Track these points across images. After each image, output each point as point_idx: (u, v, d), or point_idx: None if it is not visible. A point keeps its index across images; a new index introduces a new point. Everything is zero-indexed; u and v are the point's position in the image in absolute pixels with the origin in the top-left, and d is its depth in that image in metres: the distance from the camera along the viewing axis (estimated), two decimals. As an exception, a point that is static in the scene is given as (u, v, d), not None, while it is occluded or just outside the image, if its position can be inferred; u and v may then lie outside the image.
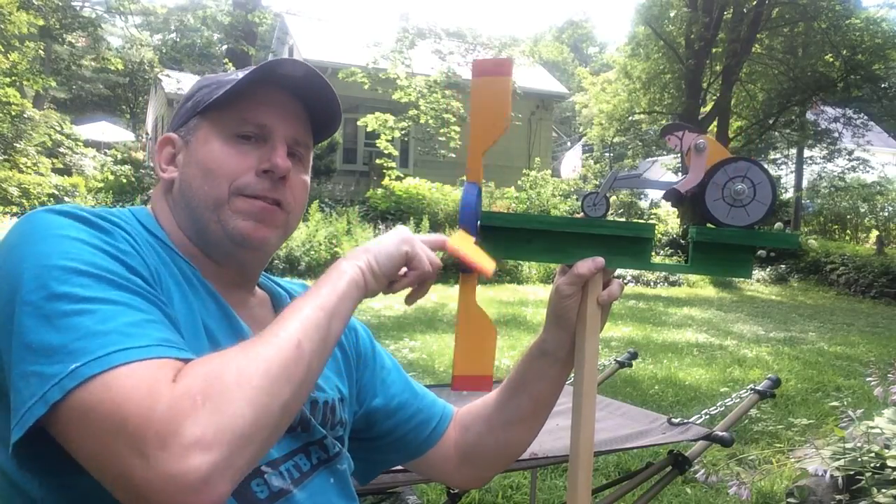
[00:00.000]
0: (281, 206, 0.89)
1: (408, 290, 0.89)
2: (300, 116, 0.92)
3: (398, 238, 0.85)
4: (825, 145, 17.87)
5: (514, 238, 0.94)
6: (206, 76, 0.96)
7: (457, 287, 0.91)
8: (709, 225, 0.96)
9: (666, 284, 12.17)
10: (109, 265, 0.72)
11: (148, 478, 0.60)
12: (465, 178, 0.92)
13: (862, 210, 17.81)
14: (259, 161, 0.87)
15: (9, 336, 0.68)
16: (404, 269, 0.85)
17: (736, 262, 0.95)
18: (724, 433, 1.95)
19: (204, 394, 0.62)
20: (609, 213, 0.97)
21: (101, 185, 12.40)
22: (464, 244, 0.88)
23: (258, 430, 0.64)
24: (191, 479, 0.60)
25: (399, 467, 1.22)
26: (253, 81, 0.87)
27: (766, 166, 0.95)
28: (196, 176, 0.88)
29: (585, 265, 0.92)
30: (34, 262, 0.70)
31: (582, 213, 0.95)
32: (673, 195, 0.95)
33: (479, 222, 0.92)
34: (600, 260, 0.93)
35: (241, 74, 0.89)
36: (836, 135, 17.75)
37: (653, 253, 0.99)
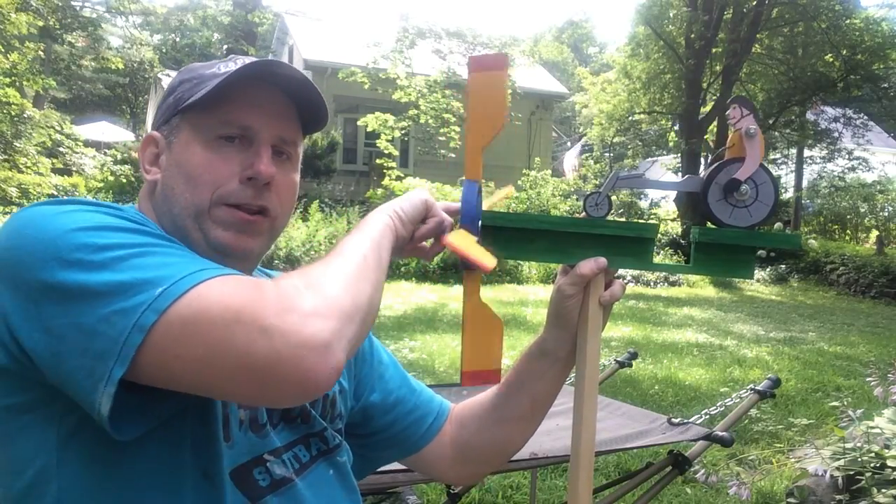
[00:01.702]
0: (265, 213, 0.86)
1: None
2: (285, 113, 0.88)
3: (418, 191, 0.92)
4: (825, 145, 17.87)
5: (516, 238, 0.94)
6: (187, 67, 0.92)
7: (457, 287, 0.92)
8: (710, 225, 0.96)
9: (666, 284, 12.17)
10: (135, 225, 0.73)
11: (275, 351, 0.62)
12: (464, 177, 0.92)
13: (862, 210, 17.81)
14: (242, 167, 0.84)
15: (54, 303, 0.66)
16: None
17: (737, 263, 0.95)
18: (724, 433, 1.95)
19: (304, 284, 0.68)
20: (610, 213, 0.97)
21: (101, 185, 12.41)
22: (463, 241, 0.88)
23: (356, 311, 0.69)
24: (316, 341, 0.63)
25: (399, 467, 1.22)
26: (233, 82, 0.83)
27: (768, 167, 0.94)
28: (178, 181, 0.84)
29: (587, 265, 0.92)
30: (61, 230, 0.68)
31: (584, 213, 0.95)
32: (731, 185, 0.92)
33: (479, 221, 0.92)
34: (602, 260, 0.92)
35: (222, 68, 0.86)
36: (836, 135, 17.75)
37: (654, 253, 0.99)
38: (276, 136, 0.87)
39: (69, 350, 0.65)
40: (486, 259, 0.87)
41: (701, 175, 0.96)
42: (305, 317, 0.64)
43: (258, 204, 0.85)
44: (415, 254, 0.95)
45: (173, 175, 0.85)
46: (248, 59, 0.88)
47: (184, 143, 0.85)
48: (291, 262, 9.67)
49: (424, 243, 0.93)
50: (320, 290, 0.67)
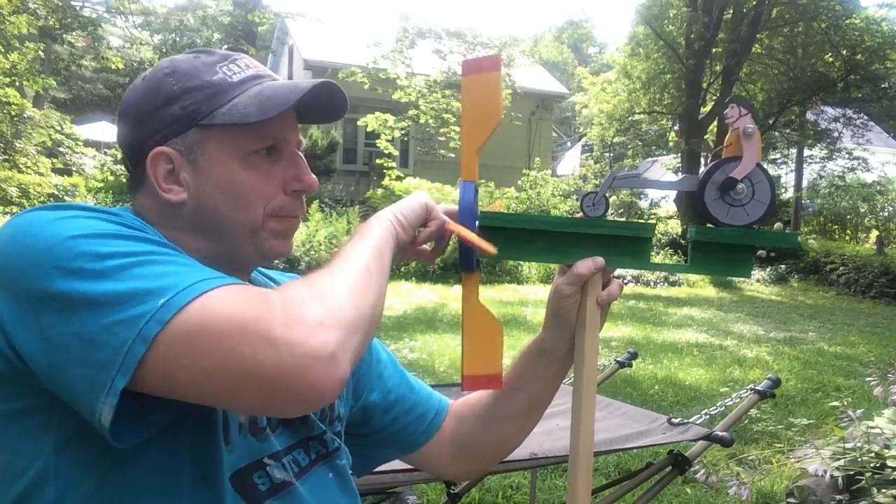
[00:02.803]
0: (300, 215, 0.91)
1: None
2: (293, 117, 0.89)
3: (418, 195, 0.93)
4: (825, 145, 17.87)
5: (514, 238, 0.94)
6: (171, 63, 0.85)
7: (458, 287, 0.92)
8: (708, 224, 0.96)
9: (666, 284, 12.17)
10: (135, 233, 0.72)
11: (281, 362, 0.62)
12: (461, 177, 0.92)
13: (862, 210, 17.81)
14: (284, 179, 0.85)
15: (53, 313, 0.65)
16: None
17: (736, 262, 0.95)
18: (724, 433, 1.95)
19: (309, 295, 0.68)
20: (608, 212, 0.97)
21: (101, 184, 12.41)
22: (476, 354, 0.90)
23: (360, 321, 0.69)
24: (322, 352, 0.63)
25: (399, 467, 1.22)
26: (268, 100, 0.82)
27: (765, 166, 0.94)
28: (222, 203, 0.82)
29: (585, 265, 0.92)
30: (61, 238, 0.68)
31: (581, 213, 0.95)
32: (727, 183, 0.92)
33: (477, 222, 0.92)
34: (600, 260, 0.92)
35: (231, 75, 0.84)
36: (836, 135, 17.75)
37: (652, 253, 0.99)
38: (298, 142, 0.89)
39: (69, 359, 0.65)
40: (487, 245, 0.88)
41: (700, 175, 0.96)
42: (311, 328, 0.64)
43: (300, 212, 0.89)
44: (416, 257, 0.96)
45: (213, 196, 0.82)
46: (249, 61, 0.87)
47: (216, 161, 0.82)
48: (291, 262, 9.66)
49: (426, 246, 0.94)
50: (325, 300, 0.67)
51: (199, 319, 0.63)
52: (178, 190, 0.82)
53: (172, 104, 0.82)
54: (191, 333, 0.63)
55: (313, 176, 0.88)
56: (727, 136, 0.95)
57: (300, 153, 0.89)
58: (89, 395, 0.64)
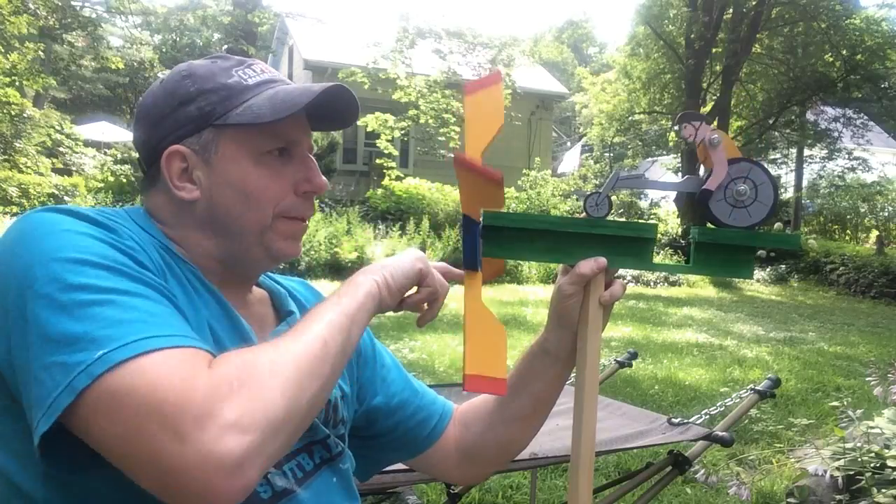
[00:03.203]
0: (309, 218, 0.91)
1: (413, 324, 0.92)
2: (306, 121, 0.90)
3: (413, 256, 0.90)
4: (825, 145, 17.87)
5: (517, 238, 0.94)
6: (189, 67, 0.87)
7: (458, 287, 0.91)
8: (710, 225, 0.96)
9: (666, 284, 12.17)
10: (120, 258, 0.72)
11: (184, 459, 0.60)
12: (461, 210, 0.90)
13: (862, 210, 17.81)
14: (295, 180, 0.87)
15: (21, 333, 0.67)
16: (415, 289, 0.91)
17: (737, 263, 0.95)
18: (724, 433, 1.95)
19: (240, 380, 0.64)
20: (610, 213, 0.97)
21: (101, 185, 12.40)
22: (479, 355, 0.86)
23: (289, 420, 0.65)
24: (226, 460, 0.60)
25: (399, 467, 1.22)
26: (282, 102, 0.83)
27: (767, 167, 0.94)
28: (234, 201, 0.84)
29: (588, 265, 0.92)
30: (45, 256, 0.69)
31: (584, 213, 0.95)
32: (704, 196, 0.92)
33: (480, 223, 0.91)
34: (602, 260, 0.92)
35: (247, 78, 0.86)
36: (836, 135, 17.75)
37: (654, 253, 0.99)
38: (309, 145, 0.90)
39: (18, 378, 0.67)
40: (501, 370, 0.86)
41: (700, 176, 0.96)
42: (224, 429, 0.60)
43: (309, 213, 0.89)
44: (404, 310, 0.94)
45: (225, 194, 0.84)
46: (264, 66, 0.90)
47: (229, 160, 0.84)
48: (291, 262, 9.67)
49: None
50: (254, 392, 0.63)
51: (125, 383, 0.62)
52: (191, 188, 0.84)
53: (188, 105, 0.84)
54: (113, 396, 0.62)
55: (323, 178, 0.89)
56: (698, 152, 0.96)
57: (311, 156, 0.90)
58: (29, 418, 0.66)
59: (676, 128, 0.93)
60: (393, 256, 0.89)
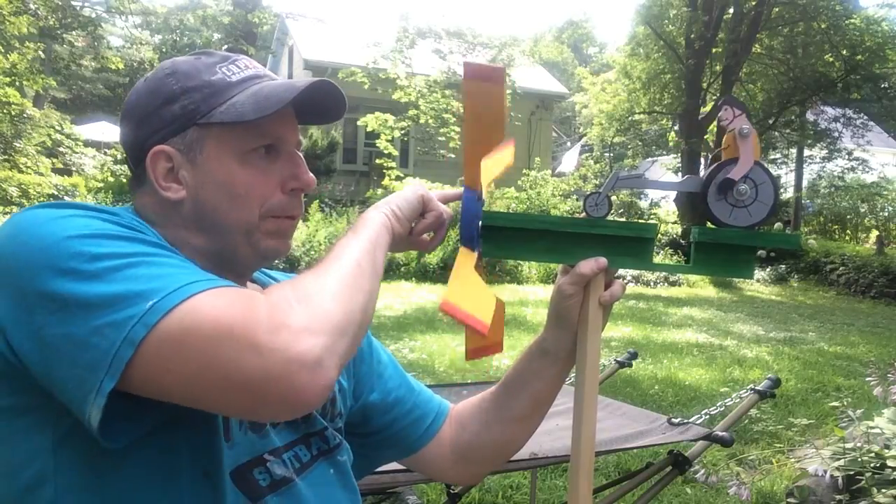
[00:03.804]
0: (297, 216, 0.90)
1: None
2: (293, 118, 0.89)
3: (414, 187, 0.93)
4: (825, 145, 17.87)
5: (517, 238, 0.94)
6: (173, 65, 0.86)
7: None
8: (710, 225, 0.96)
9: (666, 284, 12.17)
10: (131, 232, 0.73)
11: (266, 367, 0.62)
12: (462, 181, 0.91)
13: (862, 210, 17.81)
14: (282, 178, 0.86)
15: (48, 312, 0.65)
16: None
17: (738, 263, 0.95)
18: (724, 433, 1.95)
19: (296, 298, 0.67)
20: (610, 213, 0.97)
21: (101, 185, 12.41)
22: (460, 296, 0.82)
23: (349, 324, 0.69)
24: (307, 358, 0.63)
25: (399, 467, 1.22)
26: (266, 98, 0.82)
27: (767, 167, 0.94)
28: (220, 201, 0.83)
29: (588, 265, 0.92)
30: (57, 237, 0.68)
31: (584, 213, 0.95)
32: (725, 184, 0.92)
33: (480, 223, 0.91)
34: (603, 260, 0.92)
35: (231, 75, 0.84)
36: (836, 135, 17.74)
37: (654, 253, 0.99)
38: (297, 142, 0.89)
39: (60, 359, 0.65)
40: (484, 316, 0.82)
41: (701, 175, 0.96)
42: (296, 333, 0.64)
43: (298, 211, 0.89)
44: (414, 247, 0.96)
45: (211, 193, 0.83)
46: (248, 62, 0.88)
47: (214, 159, 0.83)
48: (291, 262, 9.67)
49: (424, 235, 0.95)
50: (312, 303, 0.67)
51: (184, 323, 0.63)
52: (176, 188, 0.84)
53: (172, 104, 0.83)
54: (177, 337, 0.63)
55: (311, 174, 0.88)
56: (724, 139, 0.95)
57: (299, 153, 0.89)
58: (79, 396, 0.65)
59: (718, 106, 0.93)
60: (395, 192, 0.92)
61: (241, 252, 0.86)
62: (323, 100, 0.89)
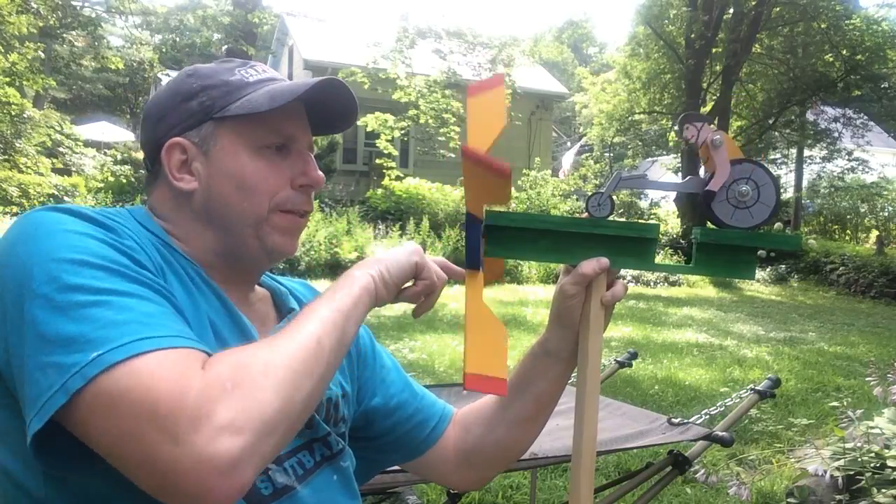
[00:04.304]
0: (306, 215, 0.92)
1: (412, 308, 0.93)
2: (306, 120, 0.92)
3: (409, 250, 0.90)
4: (825, 145, 17.87)
5: (518, 238, 0.94)
6: (195, 68, 0.91)
7: (458, 287, 0.91)
8: (711, 226, 0.96)
9: (666, 284, 12.17)
10: (118, 258, 0.72)
11: (179, 461, 0.60)
12: (465, 208, 0.90)
13: (862, 210, 17.81)
14: (292, 174, 0.88)
15: (18, 331, 0.67)
16: (411, 282, 0.91)
17: (739, 263, 0.95)
18: (724, 433, 1.95)
19: (233, 381, 0.64)
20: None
21: (101, 185, 12.41)
22: (479, 350, 0.86)
23: (283, 420, 0.65)
24: (221, 461, 0.61)
25: (399, 467, 1.22)
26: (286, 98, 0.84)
27: (769, 168, 0.94)
28: (230, 192, 0.85)
29: (590, 265, 0.92)
30: (43, 257, 0.69)
31: (586, 213, 0.95)
32: (707, 196, 0.92)
33: (483, 224, 0.91)
34: (605, 260, 0.92)
35: (248, 77, 0.88)
36: (836, 135, 17.75)
37: (655, 253, 0.99)
38: (308, 143, 0.91)
39: (18, 373, 0.67)
40: (500, 371, 0.84)
41: (702, 176, 0.96)
42: (218, 430, 0.61)
43: (306, 209, 0.90)
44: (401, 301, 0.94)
45: (222, 185, 0.85)
46: (265, 67, 0.92)
47: (228, 152, 0.85)
48: (291, 262, 9.67)
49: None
50: (247, 392, 0.64)
51: (120, 385, 0.62)
52: (189, 179, 0.86)
53: (191, 100, 0.87)
54: (108, 398, 0.62)
55: (320, 172, 0.90)
56: (700, 153, 0.96)
57: (309, 153, 0.91)
58: (24, 413, 0.66)
59: (678, 129, 0.93)
60: (388, 250, 0.90)
61: (249, 245, 0.86)
62: (335, 100, 0.91)
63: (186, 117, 0.86)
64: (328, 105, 0.92)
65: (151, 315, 0.68)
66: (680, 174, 16.90)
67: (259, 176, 0.85)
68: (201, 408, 0.61)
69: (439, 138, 14.05)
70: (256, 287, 0.97)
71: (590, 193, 0.94)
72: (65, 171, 13.45)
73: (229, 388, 0.63)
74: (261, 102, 0.84)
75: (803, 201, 18.57)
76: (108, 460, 0.65)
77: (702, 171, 1.00)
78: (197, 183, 0.86)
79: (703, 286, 12.47)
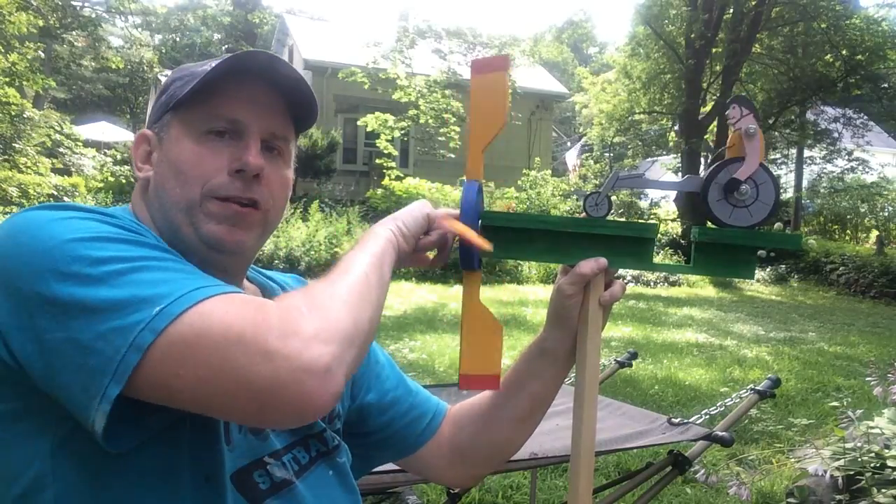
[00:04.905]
0: (257, 206, 0.85)
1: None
2: (275, 108, 0.87)
3: (420, 204, 0.93)
4: (825, 145, 17.87)
5: (516, 238, 0.94)
6: (181, 66, 0.92)
7: (457, 287, 0.92)
8: (710, 225, 0.96)
9: (666, 284, 12.17)
10: (129, 235, 0.72)
11: (276, 374, 0.62)
12: (464, 177, 0.92)
13: (862, 210, 17.81)
14: (231, 159, 0.83)
15: (49, 317, 0.65)
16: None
17: (738, 263, 0.94)
18: (724, 433, 1.95)
19: (308, 306, 0.68)
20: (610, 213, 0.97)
21: (101, 185, 12.42)
22: (474, 349, 0.91)
23: (357, 334, 0.70)
24: (316, 366, 0.64)
25: (395, 465, 1.22)
26: (221, 76, 0.83)
27: (768, 167, 0.94)
28: (168, 177, 0.84)
29: (588, 265, 0.92)
30: (58, 240, 0.68)
31: (584, 213, 0.94)
32: (731, 185, 0.92)
33: (480, 221, 0.92)
34: (603, 260, 0.92)
35: (214, 64, 0.85)
36: (836, 135, 17.75)
37: (654, 253, 0.99)
38: (265, 131, 0.86)
39: (64, 364, 0.65)
40: (484, 243, 0.89)
41: (701, 175, 0.96)
42: (307, 341, 0.64)
43: (248, 196, 0.84)
44: (418, 264, 0.96)
45: (164, 171, 0.85)
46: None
47: (174, 139, 0.85)
48: (291, 262, 9.67)
49: (428, 254, 0.95)
50: (323, 312, 0.68)
51: (194, 329, 0.63)
52: (147, 168, 0.87)
53: (163, 95, 0.88)
54: (186, 342, 0.63)
55: (257, 158, 0.83)
56: (729, 137, 0.95)
57: (261, 140, 0.86)
58: (83, 401, 0.64)
59: (728, 104, 0.93)
60: (402, 208, 0.92)
61: (185, 233, 0.83)
62: (294, 84, 0.87)
63: (156, 111, 0.88)
64: (297, 91, 0.88)
65: (193, 272, 0.70)
66: (680, 174, 16.89)
67: (193, 161, 0.83)
68: (287, 326, 0.64)
69: (439, 138, 14.06)
70: (246, 283, 0.95)
71: (587, 193, 0.94)
72: (64, 172, 13.46)
73: (305, 311, 0.67)
74: (193, 86, 0.82)
75: (803, 201, 18.58)
76: (194, 407, 0.66)
77: (701, 171, 0.99)
78: (152, 171, 0.86)
79: (703, 286, 12.47)
